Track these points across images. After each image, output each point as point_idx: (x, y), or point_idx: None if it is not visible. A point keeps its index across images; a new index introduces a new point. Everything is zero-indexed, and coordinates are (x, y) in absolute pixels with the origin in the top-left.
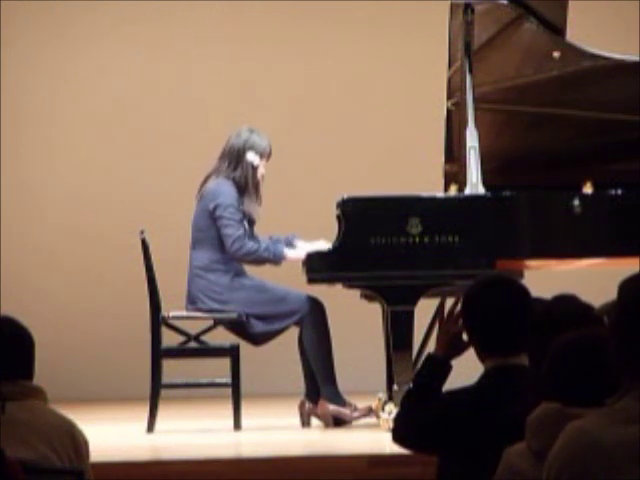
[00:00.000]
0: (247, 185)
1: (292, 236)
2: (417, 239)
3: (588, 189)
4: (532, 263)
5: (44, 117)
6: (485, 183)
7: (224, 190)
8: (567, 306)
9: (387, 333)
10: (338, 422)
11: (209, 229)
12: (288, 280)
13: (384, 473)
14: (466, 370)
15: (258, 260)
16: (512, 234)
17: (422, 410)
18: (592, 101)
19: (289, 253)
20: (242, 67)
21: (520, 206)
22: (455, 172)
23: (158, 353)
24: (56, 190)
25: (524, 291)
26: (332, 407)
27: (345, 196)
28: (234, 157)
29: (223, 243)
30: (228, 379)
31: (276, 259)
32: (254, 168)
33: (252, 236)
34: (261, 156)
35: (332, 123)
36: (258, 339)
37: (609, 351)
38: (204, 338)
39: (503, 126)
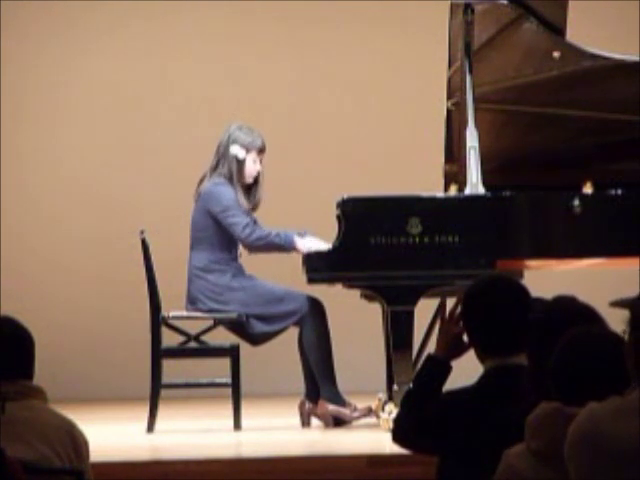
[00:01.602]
0: (232, 178)
1: (304, 232)
2: (417, 239)
3: (588, 189)
4: (532, 263)
5: (44, 117)
6: (485, 183)
7: (221, 190)
8: (567, 307)
9: (387, 333)
10: (338, 422)
11: (207, 229)
12: (288, 280)
13: (384, 473)
14: (466, 370)
15: (269, 246)
16: (512, 234)
17: (422, 411)
18: (592, 101)
19: (299, 243)
20: (242, 67)
21: (520, 206)
22: (455, 172)
23: (158, 353)
24: (56, 190)
25: (524, 291)
26: (332, 407)
27: (345, 196)
28: (221, 153)
29: (222, 243)
30: (228, 379)
31: (287, 245)
32: (239, 161)
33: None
34: (247, 150)
35: (332, 123)
36: (258, 339)
37: (625, 344)
38: (204, 338)
39: (503, 126)
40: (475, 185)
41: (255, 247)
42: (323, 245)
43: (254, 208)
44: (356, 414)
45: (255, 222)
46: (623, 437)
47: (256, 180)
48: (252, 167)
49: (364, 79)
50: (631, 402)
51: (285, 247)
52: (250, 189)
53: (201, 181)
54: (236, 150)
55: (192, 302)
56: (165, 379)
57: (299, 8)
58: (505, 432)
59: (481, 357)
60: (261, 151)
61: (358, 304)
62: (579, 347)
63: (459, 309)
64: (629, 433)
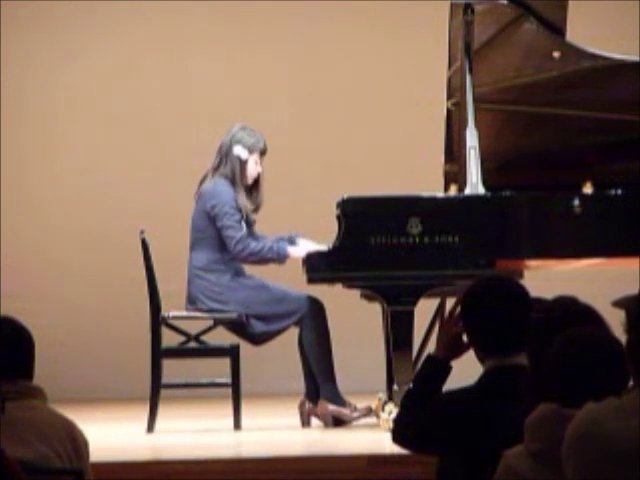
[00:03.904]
0: (235, 179)
1: (295, 235)
2: (417, 239)
3: (588, 189)
4: (532, 263)
5: (43, 117)
6: (485, 183)
7: (220, 190)
8: (567, 307)
9: (387, 333)
10: (338, 422)
11: (208, 229)
12: (288, 280)
13: (384, 473)
14: (466, 370)
15: (262, 260)
16: (512, 234)
17: (422, 411)
18: (592, 101)
19: (292, 251)
20: (242, 67)
21: (520, 206)
22: (455, 172)
23: (158, 353)
24: (56, 190)
25: (523, 291)
26: (332, 407)
27: (345, 196)
28: (224, 153)
29: (222, 243)
30: (228, 379)
31: (280, 258)
32: (242, 162)
33: (253, 236)
34: (250, 151)
35: (332, 123)
36: (258, 339)
37: (626, 344)
38: (204, 338)
39: (503, 126)
40: (475, 185)
41: (247, 262)
42: (316, 247)
43: (255, 210)
44: (356, 414)
45: (252, 225)
46: (623, 437)
47: (256, 182)
48: (253, 168)
49: (364, 79)
50: (631, 401)
51: (278, 260)
52: (251, 191)
53: (202, 181)
54: (239, 151)
55: (192, 302)
56: (165, 379)
57: (298, 8)
58: (505, 432)
59: (481, 357)
60: (263, 153)
61: (358, 304)
62: (574, 348)
63: (459, 309)
64: (629, 433)
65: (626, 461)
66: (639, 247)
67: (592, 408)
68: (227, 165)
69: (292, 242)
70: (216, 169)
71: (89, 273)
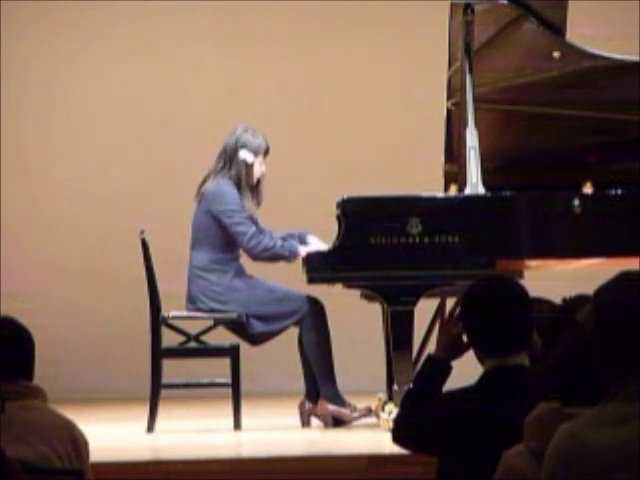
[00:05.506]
0: (241, 183)
1: (305, 232)
2: (417, 239)
3: (588, 189)
4: (532, 263)
5: (43, 117)
6: (485, 183)
7: (225, 190)
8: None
9: (387, 333)
10: (338, 422)
11: (209, 229)
12: (288, 280)
13: (384, 473)
14: (466, 370)
15: (274, 257)
16: (512, 234)
17: (422, 411)
18: (592, 101)
19: (302, 250)
20: (242, 67)
21: (520, 206)
22: (455, 172)
23: (158, 353)
24: (56, 190)
25: (523, 291)
26: (332, 407)
27: (345, 196)
28: (228, 156)
29: (223, 243)
30: (228, 379)
31: (291, 256)
32: (248, 166)
33: (262, 232)
34: (255, 154)
35: (332, 123)
36: (257, 339)
37: (593, 357)
38: (204, 338)
39: (503, 126)
40: (475, 185)
41: (260, 258)
42: (324, 247)
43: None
44: (356, 414)
45: (256, 223)
46: (604, 446)
47: (258, 180)
48: (258, 170)
49: (364, 79)
50: (610, 411)
51: (289, 258)
52: (252, 189)
53: (204, 182)
54: (245, 155)
55: (192, 302)
56: (165, 379)
57: (299, 9)
58: (505, 432)
59: (481, 357)
60: (266, 153)
61: (358, 304)
62: (576, 348)
63: (459, 309)
64: (610, 442)
65: (610, 470)
66: (639, 247)
67: (567, 426)
68: (232, 169)
69: (302, 239)
70: (219, 171)
71: (89, 273)
